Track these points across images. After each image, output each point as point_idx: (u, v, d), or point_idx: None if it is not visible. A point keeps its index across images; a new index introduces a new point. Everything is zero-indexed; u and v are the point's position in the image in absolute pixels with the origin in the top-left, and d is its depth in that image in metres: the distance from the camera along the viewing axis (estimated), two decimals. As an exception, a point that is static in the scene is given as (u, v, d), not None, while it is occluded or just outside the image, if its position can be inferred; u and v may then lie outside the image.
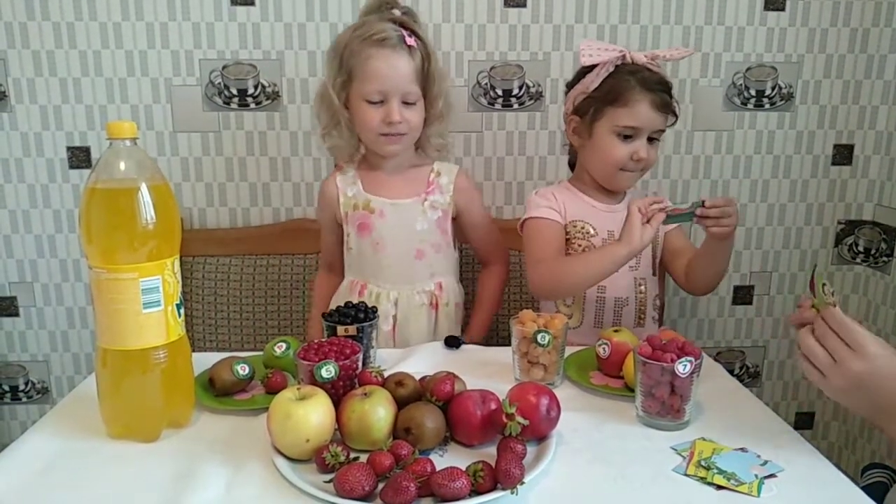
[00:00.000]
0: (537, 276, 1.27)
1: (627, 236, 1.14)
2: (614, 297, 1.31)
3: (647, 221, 1.13)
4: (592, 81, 1.26)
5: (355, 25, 1.28)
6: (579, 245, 1.31)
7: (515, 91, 1.66)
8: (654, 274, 1.35)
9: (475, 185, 1.48)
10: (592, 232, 1.31)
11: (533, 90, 1.66)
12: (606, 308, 1.31)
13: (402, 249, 1.34)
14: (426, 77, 1.29)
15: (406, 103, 1.27)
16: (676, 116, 1.28)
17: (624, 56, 1.24)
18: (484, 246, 1.46)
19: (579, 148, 1.33)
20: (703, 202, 1.13)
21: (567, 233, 1.32)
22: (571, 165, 1.43)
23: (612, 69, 1.25)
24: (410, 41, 1.25)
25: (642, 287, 1.32)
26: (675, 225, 1.33)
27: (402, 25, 1.26)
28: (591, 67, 1.26)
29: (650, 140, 1.27)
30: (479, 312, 1.46)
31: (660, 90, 1.23)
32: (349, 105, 1.30)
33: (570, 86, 1.34)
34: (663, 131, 1.28)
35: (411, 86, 1.26)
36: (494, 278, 1.48)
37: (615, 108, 1.24)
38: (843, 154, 1.77)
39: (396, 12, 1.28)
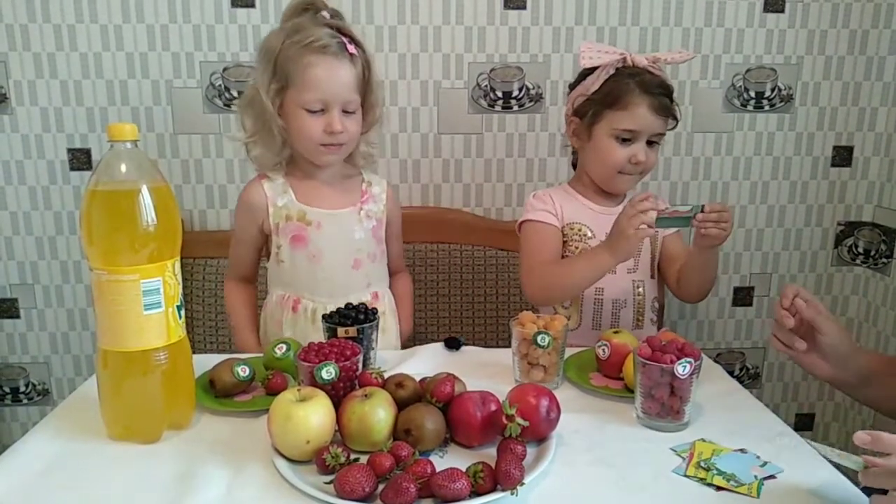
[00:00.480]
0: (529, 284, 1.29)
1: (614, 244, 1.16)
2: (612, 298, 1.30)
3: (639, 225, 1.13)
4: (593, 84, 1.26)
5: (289, 30, 1.20)
6: (576, 247, 1.31)
7: (515, 93, 1.67)
8: (652, 276, 1.35)
9: None
10: (589, 234, 1.31)
11: (533, 92, 1.67)
12: (604, 310, 1.31)
13: (340, 260, 1.29)
14: (366, 85, 1.25)
15: (346, 112, 1.23)
16: (677, 120, 1.28)
17: (625, 59, 1.25)
18: (396, 258, 1.43)
19: (579, 150, 1.34)
20: (703, 207, 1.13)
21: (564, 235, 1.32)
22: (575, 166, 1.43)
23: (612, 72, 1.24)
24: (352, 49, 1.21)
25: (640, 289, 1.32)
26: (675, 230, 1.33)
27: (340, 31, 1.21)
28: (593, 69, 1.26)
29: (650, 143, 1.27)
30: (404, 309, 1.43)
31: (660, 93, 1.23)
32: (283, 113, 1.23)
33: (572, 87, 1.34)
34: (663, 135, 1.28)
35: (352, 94, 1.22)
36: (406, 279, 1.48)
37: (614, 111, 1.24)
38: (843, 155, 1.77)
39: (326, 14, 1.22)
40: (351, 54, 1.21)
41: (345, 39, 1.21)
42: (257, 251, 1.35)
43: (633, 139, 1.25)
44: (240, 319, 1.36)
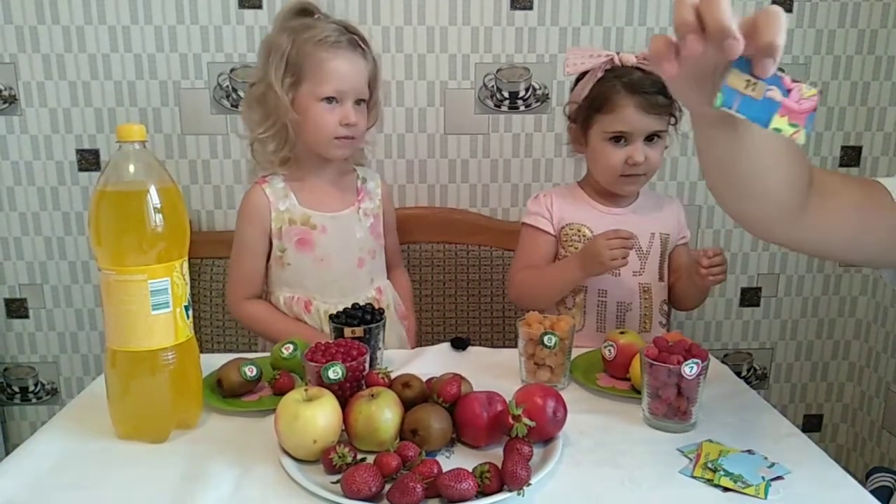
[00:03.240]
0: (510, 286, 1.34)
1: (587, 264, 1.19)
2: (616, 301, 1.29)
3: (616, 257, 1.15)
4: (582, 89, 1.24)
5: (297, 28, 1.23)
6: (575, 248, 1.30)
7: (522, 93, 1.67)
8: (661, 280, 1.33)
9: None
10: (590, 234, 1.29)
11: (539, 92, 1.67)
12: (608, 313, 1.30)
13: (346, 262, 1.31)
14: (374, 81, 1.29)
15: (356, 106, 1.25)
16: (674, 116, 1.24)
17: (612, 60, 1.22)
18: (393, 252, 1.45)
19: (581, 154, 1.33)
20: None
21: (564, 235, 1.31)
22: None
23: (600, 75, 1.22)
24: (363, 45, 1.26)
25: (647, 292, 1.31)
26: (686, 239, 1.37)
27: (347, 29, 1.25)
28: (584, 74, 1.26)
29: (650, 142, 1.24)
30: (409, 308, 1.46)
31: (652, 91, 1.19)
32: (295, 108, 1.24)
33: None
34: (664, 131, 1.24)
35: (365, 87, 1.26)
36: (405, 277, 1.50)
37: (602, 114, 1.22)
38: (851, 156, 1.76)
39: (323, 15, 1.27)
40: (363, 49, 1.25)
41: (355, 36, 1.25)
42: (265, 259, 1.32)
43: (628, 140, 1.22)
44: (277, 318, 1.31)
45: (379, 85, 1.31)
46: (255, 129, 1.28)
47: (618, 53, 1.22)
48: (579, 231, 1.30)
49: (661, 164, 1.31)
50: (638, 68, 1.21)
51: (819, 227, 0.82)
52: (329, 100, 1.23)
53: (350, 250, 1.32)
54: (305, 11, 1.27)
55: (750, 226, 0.86)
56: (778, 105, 0.64)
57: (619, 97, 1.20)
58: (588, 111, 1.24)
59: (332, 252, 1.30)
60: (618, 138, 1.23)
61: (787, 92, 0.64)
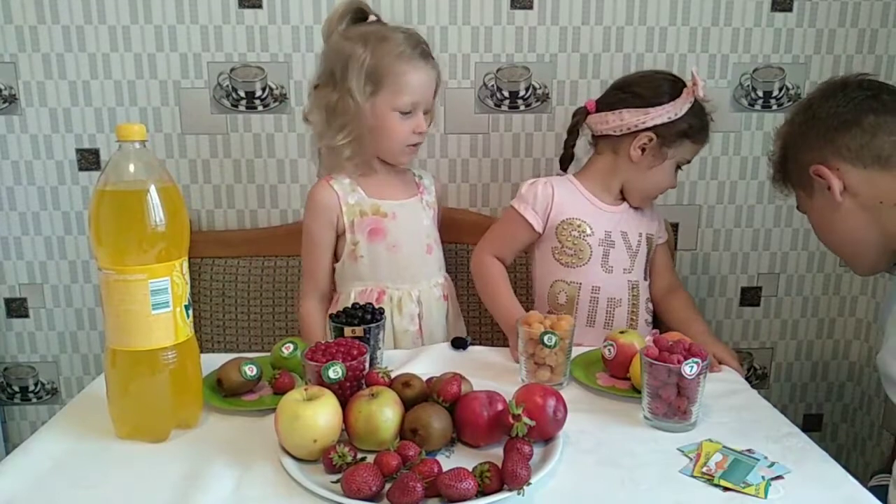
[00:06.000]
0: (474, 267, 1.38)
1: (508, 332, 1.24)
2: (608, 297, 1.31)
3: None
4: (681, 108, 1.26)
5: (372, 37, 1.25)
6: (573, 243, 1.31)
7: (522, 93, 1.66)
8: (645, 279, 1.37)
9: None
10: (589, 231, 1.31)
11: (539, 92, 1.66)
12: (599, 308, 1.32)
13: (416, 247, 1.36)
14: (437, 89, 1.34)
15: (425, 114, 1.31)
16: None
17: (695, 85, 1.26)
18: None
19: (634, 163, 1.30)
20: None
21: (562, 230, 1.32)
22: (562, 162, 1.43)
23: (692, 100, 1.26)
24: (431, 56, 1.30)
25: (635, 289, 1.33)
26: (664, 240, 1.41)
27: (418, 41, 1.29)
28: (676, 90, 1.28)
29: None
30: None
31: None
32: (371, 115, 1.28)
33: (640, 96, 1.29)
34: None
35: (432, 97, 1.32)
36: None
37: (692, 143, 1.30)
38: (852, 155, 1.76)
39: (376, 15, 1.31)
40: (433, 59, 1.30)
41: (425, 47, 1.29)
42: (333, 255, 1.37)
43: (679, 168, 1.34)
44: (316, 331, 1.34)
45: (439, 91, 1.35)
46: (329, 137, 1.29)
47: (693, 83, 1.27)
48: (580, 227, 1.31)
49: None
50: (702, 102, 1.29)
51: None
52: (405, 111, 1.27)
53: (419, 237, 1.36)
54: (362, 13, 1.30)
55: None
56: None
57: (705, 133, 1.31)
58: (683, 136, 1.28)
59: (403, 238, 1.34)
60: (678, 167, 1.33)
61: None
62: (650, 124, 1.26)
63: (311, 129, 1.36)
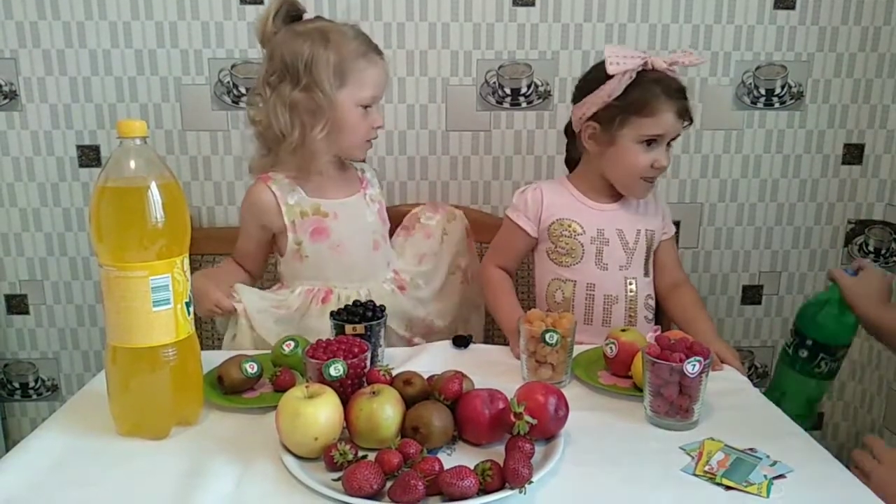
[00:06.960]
0: (481, 279, 1.40)
1: (510, 336, 1.22)
2: (603, 294, 1.31)
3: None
4: (614, 89, 1.22)
5: (326, 35, 1.24)
6: (566, 243, 1.30)
7: (524, 90, 1.66)
8: (646, 275, 1.35)
9: None
10: (580, 230, 1.30)
11: (541, 89, 1.66)
12: (595, 305, 1.31)
13: (361, 245, 1.34)
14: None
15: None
16: (692, 121, 1.28)
17: (646, 62, 1.22)
18: None
19: (595, 154, 1.30)
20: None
21: (554, 231, 1.32)
22: (568, 163, 1.42)
23: (633, 76, 1.22)
24: (380, 51, 1.31)
25: (632, 286, 1.32)
26: (669, 235, 1.39)
27: (367, 37, 1.30)
28: (603, 72, 1.24)
29: (668, 145, 1.27)
30: None
31: (682, 97, 1.24)
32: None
33: (581, 89, 1.31)
34: (679, 135, 1.28)
35: (383, 92, 1.33)
36: None
37: (641, 117, 1.22)
38: (854, 153, 1.76)
39: (316, 16, 1.31)
40: (382, 55, 1.31)
41: (374, 44, 1.31)
42: (262, 248, 1.37)
43: (657, 143, 1.25)
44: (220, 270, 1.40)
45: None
46: (299, 134, 1.25)
47: (648, 55, 1.23)
48: (570, 227, 1.31)
49: None
50: (666, 74, 1.23)
51: None
52: (365, 105, 1.28)
53: (364, 234, 1.35)
54: (295, 9, 1.29)
55: None
56: None
57: (659, 102, 1.21)
58: (625, 112, 1.23)
59: (347, 237, 1.32)
60: (650, 141, 1.24)
61: None
62: (589, 113, 1.27)
63: (255, 129, 1.31)
